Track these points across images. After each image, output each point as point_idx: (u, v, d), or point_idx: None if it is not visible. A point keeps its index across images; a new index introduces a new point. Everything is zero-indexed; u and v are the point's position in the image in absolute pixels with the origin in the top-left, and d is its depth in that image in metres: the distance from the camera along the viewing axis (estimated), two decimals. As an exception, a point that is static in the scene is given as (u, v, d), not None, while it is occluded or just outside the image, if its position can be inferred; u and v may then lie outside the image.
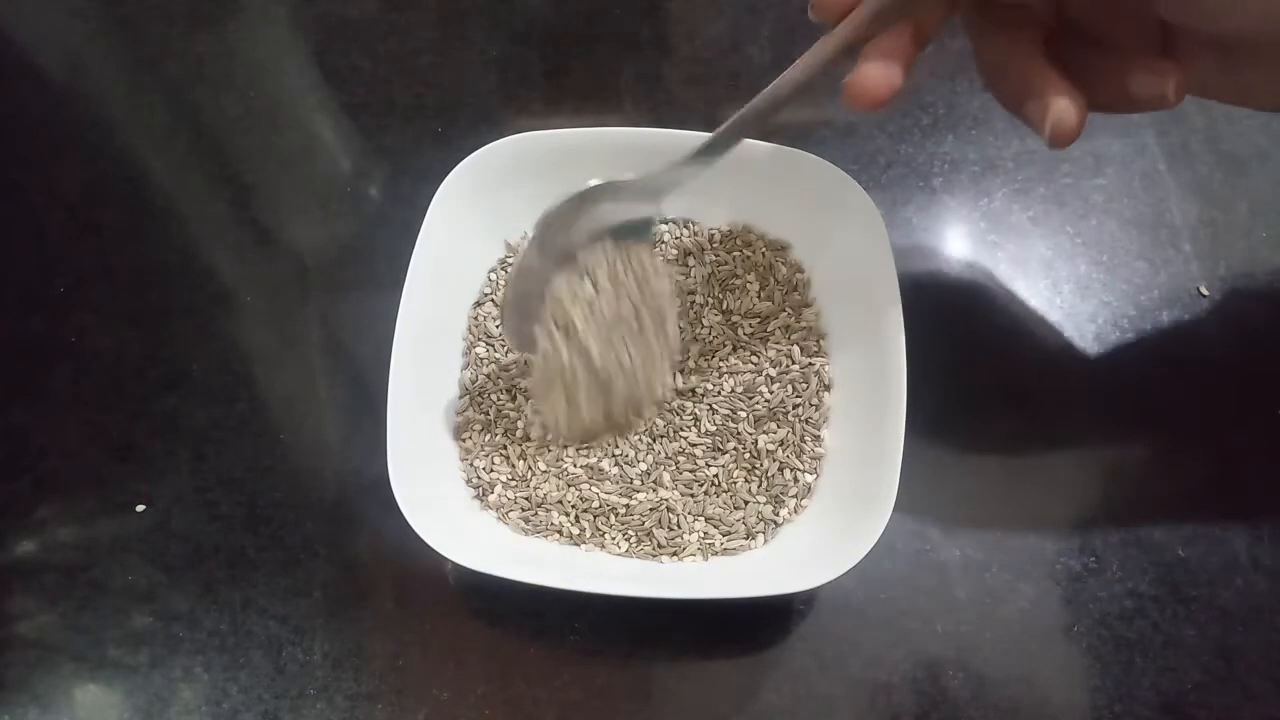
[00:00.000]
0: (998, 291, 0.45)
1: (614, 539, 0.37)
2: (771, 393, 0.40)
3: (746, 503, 0.38)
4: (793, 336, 0.41)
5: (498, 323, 0.41)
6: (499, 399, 0.40)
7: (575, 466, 0.39)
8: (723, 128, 0.34)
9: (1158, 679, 0.36)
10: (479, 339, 0.41)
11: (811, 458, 0.38)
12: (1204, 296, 0.44)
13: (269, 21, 0.54)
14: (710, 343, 0.41)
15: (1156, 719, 0.36)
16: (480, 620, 0.38)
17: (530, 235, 0.35)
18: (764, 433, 0.39)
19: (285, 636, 0.37)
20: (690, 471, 0.39)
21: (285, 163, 0.49)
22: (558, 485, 0.38)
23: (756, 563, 0.36)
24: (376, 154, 0.49)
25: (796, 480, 0.38)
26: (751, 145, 0.41)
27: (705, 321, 0.41)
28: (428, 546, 0.33)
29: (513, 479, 0.38)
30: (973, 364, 0.43)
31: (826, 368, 0.40)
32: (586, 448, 0.39)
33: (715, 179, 0.42)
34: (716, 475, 0.38)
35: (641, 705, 0.36)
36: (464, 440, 0.39)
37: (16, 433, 0.42)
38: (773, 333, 0.41)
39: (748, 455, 0.39)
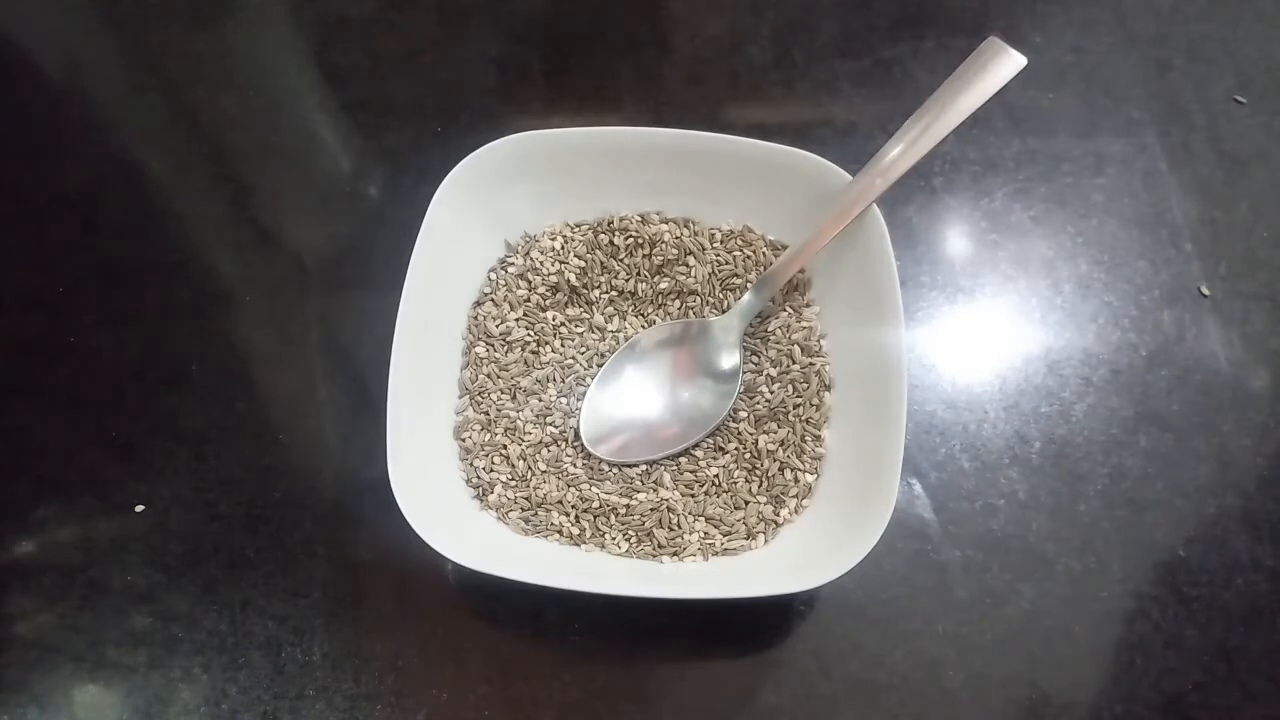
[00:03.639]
0: (999, 291, 0.45)
1: (614, 539, 0.37)
2: (772, 393, 0.40)
3: (747, 503, 0.38)
4: (793, 336, 0.41)
5: (498, 322, 0.41)
6: (499, 399, 0.40)
7: (575, 466, 0.39)
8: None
9: (1159, 679, 0.36)
10: (479, 339, 0.41)
11: (812, 458, 0.38)
12: (1205, 296, 0.44)
13: (268, 21, 0.54)
14: (710, 342, 0.41)
15: (1157, 719, 0.36)
16: (480, 620, 0.38)
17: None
18: (764, 433, 0.39)
19: (284, 637, 0.37)
20: (691, 472, 0.39)
21: (285, 162, 0.49)
22: (558, 485, 0.38)
23: (757, 563, 0.36)
24: (376, 153, 0.49)
25: (797, 480, 0.38)
26: (751, 145, 0.41)
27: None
28: (428, 546, 0.33)
29: (513, 479, 0.38)
30: (973, 364, 0.43)
31: (826, 368, 0.40)
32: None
33: (716, 179, 0.42)
34: (717, 475, 0.38)
35: (641, 705, 0.36)
36: (464, 440, 0.39)
37: (16, 433, 0.42)
38: (773, 333, 0.41)
39: (748, 455, 0.39)
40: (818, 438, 0.38)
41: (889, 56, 0.52)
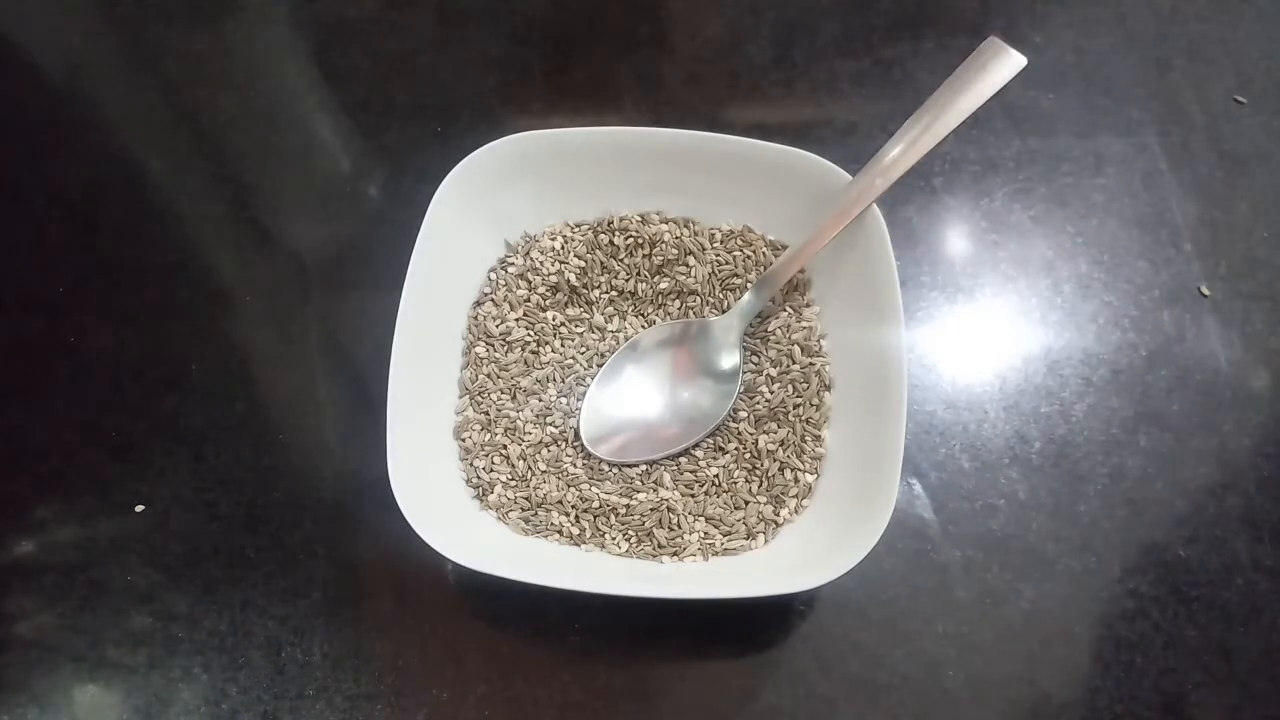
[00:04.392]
0: (999, 291, 0.45)
1: (614, 539, 0.37)
2: (772, 393, 0.40)
3: (747, 503, 0.38)
4: (793, 336, 0.41)
5: (498, 322, 0.41)
6: (499, 399, 0.40)
7: (575, 466, 0.39)
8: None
9: (1158, 679, 0.36)
10: (479, 339, 0.41)
11: (812, 458, 0.38)
12: (1204, 296, 0.44)
13: (268, 21, 0.54)
14: (710, 342, 0.41)
15: (1157, 719, 0.36)
16: (480, 620, 0.38)
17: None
18: (764, 433, 0.39)
19: (284, 637, 0.37)
20: (691, 472, 0.39)
21: (285, 163, 0.49)
22: (558, 485, 0.38)
23: (757, 563, 0.36)
24: (376, 154, 0.49)
25: (797, 480, 0.38)
26: (751, 145, 0.41)
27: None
28: (428, 546, 0.33)
29: (513, 479, 0.38)
30: (973, 364, 0.43)
31: (826, 368, 0.40)
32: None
33: (716, 179, 0.42)
34: (717, 475, 0.38)
35: (641, 705, 0.36)
36: (464, 440, 0.39)
37: (16, 433, 0.42)
38: (773, 333, 0.41)
39: (748, 455, 0.39)
40: (818, 438, 0.38)
41: (889, 56, 0.52)
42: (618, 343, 0.41)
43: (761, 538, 0.37)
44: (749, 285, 0.42)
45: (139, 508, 0.40)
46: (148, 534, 0.39)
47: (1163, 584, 0.38)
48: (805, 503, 0.38)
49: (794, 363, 0.40)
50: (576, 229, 0.43)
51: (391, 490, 0.33)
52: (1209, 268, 0.45)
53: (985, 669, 0.36)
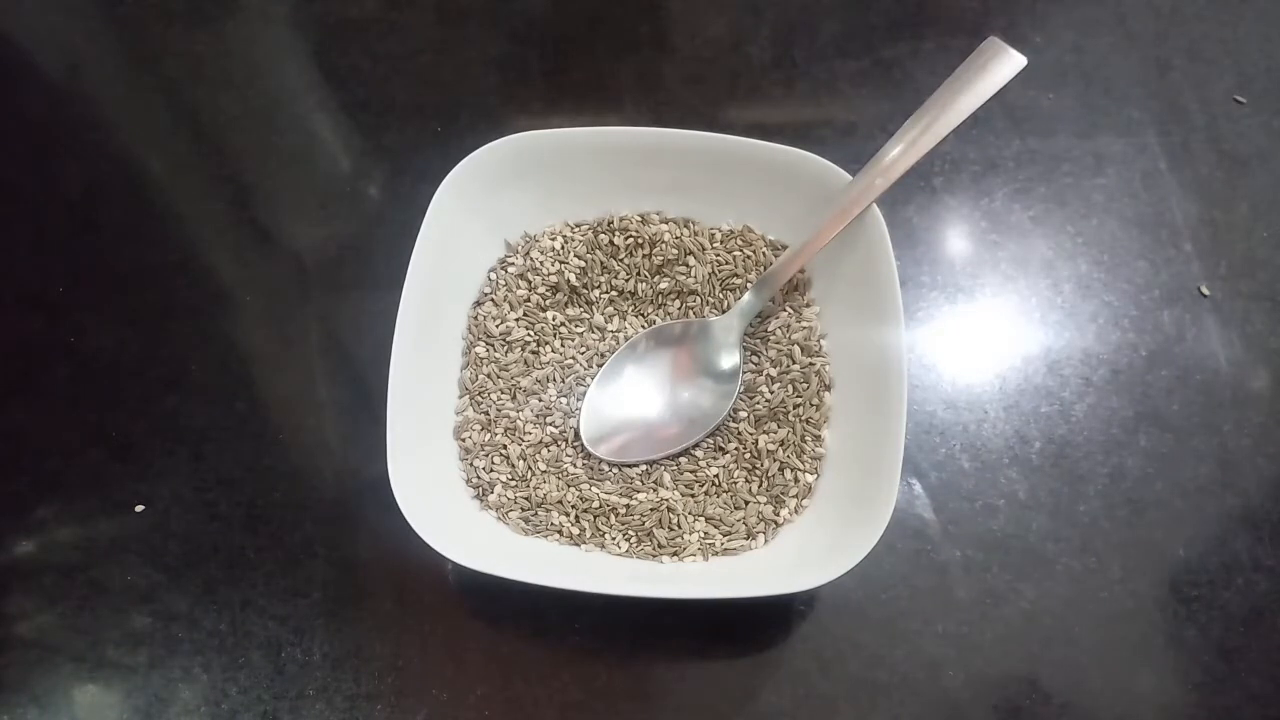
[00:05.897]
0: (999, 291, 0.45)
1: (614, 539, 0.37)
2: (772, 393, 0.40)
3: (747, 503, 0.38)
4: (793, 336, 0.41)
5: (498, 322, 0.41)
6: (499, 399, 0.40)
7: (575, 466, 0.39)
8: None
9: (1159, 679, 0.36)
10: (479, 339, 0.41)
11: (812, 458, 0.38)
12: (1204, 296, 0.44)
13: (268, 21, 0.54)
14: (710, 342, 0.41)
15: (1157, 719, 0.36)
16: (480, 620, 0.38)
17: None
18: (764, 433, 0.39)
19: (285, 637, 0.37)
20: (691, 471, 0.39)
21: (285, 163, 0.49)
22: (558, 485, 0.38)
23: (757, 563, 0.36)
24: (376, 154, 0.49)
25: (797, 480, 0.38)
26: (751, 145, 0.41)
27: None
28: (428, 546, 0.33)
29: (513, 479, 0.38)
30: (973, 364, 0.43)
31: (826, 368, 0.40)
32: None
33: (716, 179, 0.42)
34: (717, 475, 0.38)
35: (641, 705, 0.36)
36: (464, 440, 0.39)
37: (16, 433, 0.42)
38: (773, 333, 0.41)
39: (748, 455, 0.39)
40: (818, 438, 0.38)
41: (889, 56, 0.52)
42: (618, 343, 0.41)
43: (761, 538, 0.37)
44: (749, 285, 0.42)
45: (139, 508, 0.40)
46: (148, 534, 0.39)
47: (1163, 584, 0.38)
48: (805, 503, 0.38)
49: (794, 363, 0.40)
50: (576, 229, 0.43)
51: (391, 490, 0.33)
52: (1209, 268, 0.45)
53: (985, 669, 0.36)
